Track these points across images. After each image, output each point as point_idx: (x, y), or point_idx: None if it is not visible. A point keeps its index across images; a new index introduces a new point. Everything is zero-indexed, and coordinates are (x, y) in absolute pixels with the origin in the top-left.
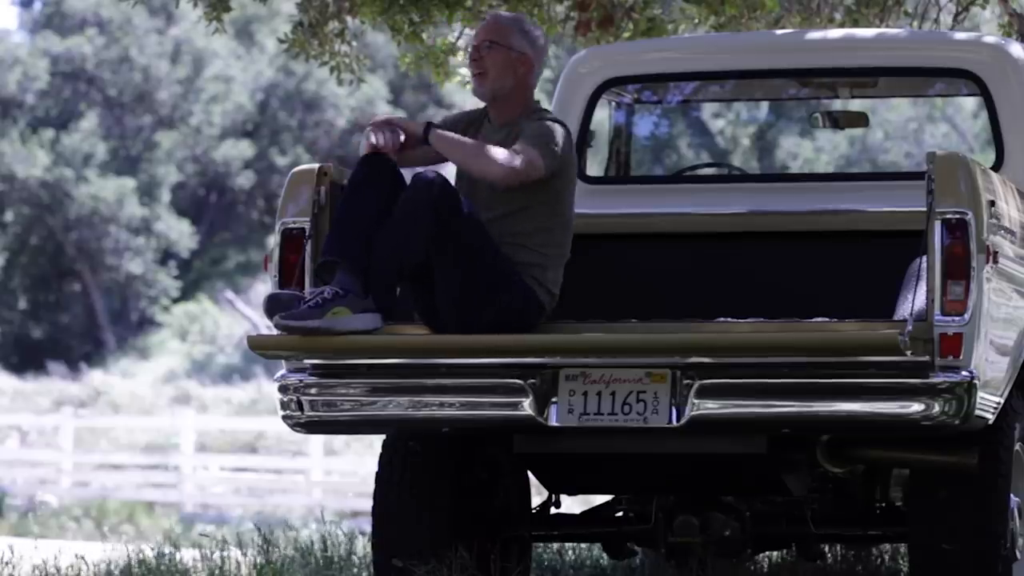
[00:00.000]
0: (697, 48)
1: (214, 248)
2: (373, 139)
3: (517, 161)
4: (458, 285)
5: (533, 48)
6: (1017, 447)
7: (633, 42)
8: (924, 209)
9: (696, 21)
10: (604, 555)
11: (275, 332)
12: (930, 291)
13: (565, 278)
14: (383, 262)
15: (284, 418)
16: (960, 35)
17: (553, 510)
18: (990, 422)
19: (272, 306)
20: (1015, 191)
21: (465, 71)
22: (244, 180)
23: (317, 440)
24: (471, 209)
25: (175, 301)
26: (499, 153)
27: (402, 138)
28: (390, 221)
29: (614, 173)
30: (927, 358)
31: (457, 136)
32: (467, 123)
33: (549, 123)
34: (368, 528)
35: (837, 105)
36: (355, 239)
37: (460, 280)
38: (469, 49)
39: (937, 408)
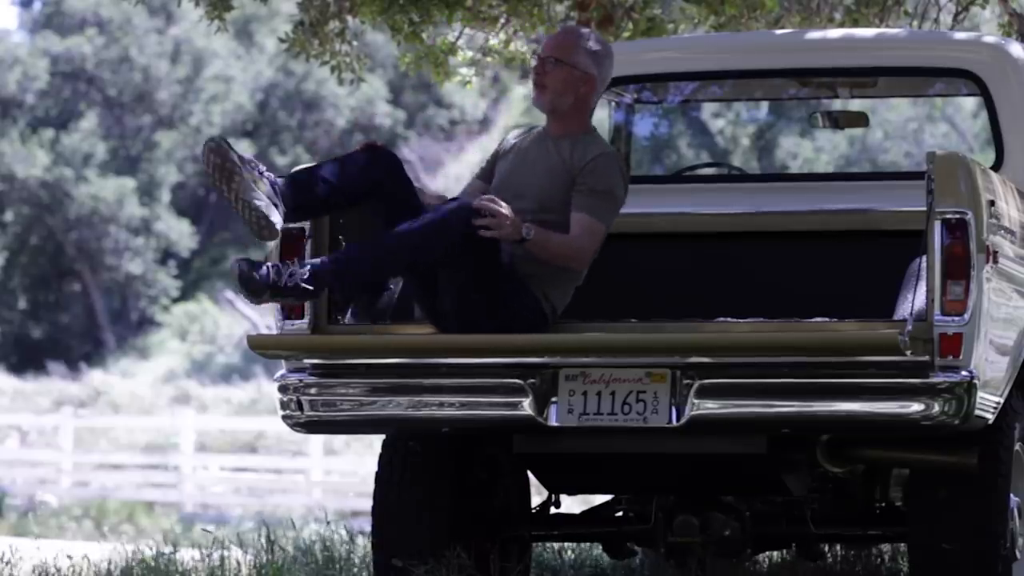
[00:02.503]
0: (697, 48)
1: (214, 248)
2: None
3: (586, 241)
4: (466, 292)
5: (598, 68)
6: (1017, 447)
7: (633, 42)
8: (924, 209)
9: (696, 21)
10: (604, 555)
11: (274, 331)
12: (930, 291)
13: None
14: (389, 256)
15: (284, 418)
16: (960, 35)
17: (553, 510)
18: (990, 422)
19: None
20: (1015, 191)
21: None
22: None
23: (317, 440)
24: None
25: (175, 301)
26: (574, 245)
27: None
28: (416, 221)
29: None
30: (927, 358)
31: (545, 240)
32: (527, 140)
33: (609, 170)
34: (368, 528)
35: (837, 105)
36: (315, 179)
37: (466, 289)
38: (534, 57)
39: (937, 408)
